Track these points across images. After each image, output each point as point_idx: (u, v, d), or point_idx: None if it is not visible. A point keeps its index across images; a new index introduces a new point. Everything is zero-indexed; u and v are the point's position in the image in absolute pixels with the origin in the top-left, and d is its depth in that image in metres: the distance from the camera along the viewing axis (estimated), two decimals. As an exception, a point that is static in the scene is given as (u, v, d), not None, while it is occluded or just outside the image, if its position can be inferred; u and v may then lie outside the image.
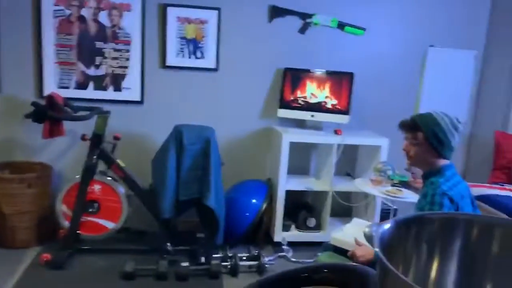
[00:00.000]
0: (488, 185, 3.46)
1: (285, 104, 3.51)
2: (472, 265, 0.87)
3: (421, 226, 0.79)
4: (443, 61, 3.77)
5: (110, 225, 3.08)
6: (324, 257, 2.23)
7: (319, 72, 3.48)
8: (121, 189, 3.10)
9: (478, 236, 0.86)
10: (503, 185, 3.45)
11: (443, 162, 1.96)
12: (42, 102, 2.98)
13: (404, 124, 2.02)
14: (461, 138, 2.03)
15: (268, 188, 3.42)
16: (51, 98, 2.91)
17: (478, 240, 0.86)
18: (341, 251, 2.22)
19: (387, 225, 0.72)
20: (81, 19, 3.29)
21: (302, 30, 3.54)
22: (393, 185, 2.91)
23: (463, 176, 4.02)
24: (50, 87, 3.30)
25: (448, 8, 3.71)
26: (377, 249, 0.65)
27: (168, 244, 3.02)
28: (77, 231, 3.02)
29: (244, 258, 3.09)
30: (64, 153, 3.45)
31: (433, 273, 0.85)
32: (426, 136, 1.93)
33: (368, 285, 0.93)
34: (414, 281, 0.82)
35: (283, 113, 3.53)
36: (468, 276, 0.86)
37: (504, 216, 2.74)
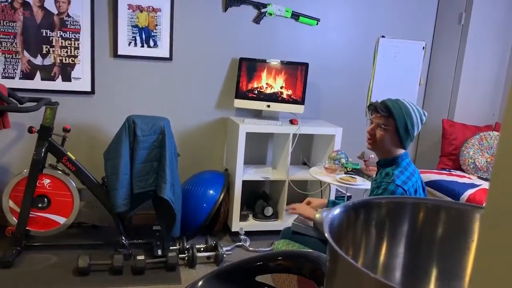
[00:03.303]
0: (436, 171, 3.61)
1: (241, 94, 3.50)
2: (419, 247, 0.90)
3: (369, 210, 0.81)
4: (394, 51, 3.88)
5: (61, 220, 2.98)
6: (281, 245, 2.25)
7: (274, 62, 3.48)
8: (72, 182, 3.00)
9: (424, 218, 0.90)
10: (449, 171, 3.61)
11: (400, 151, 1.99)
12: (-16, 93, 2.82)
13: (377, 107, 1.98)
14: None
15: (225, 179, 3.41)
16: (-6, 89, 2.76)
17: (424, 222, 0.90)
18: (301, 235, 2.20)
19: (336, 211, 0.73)
20: (25, 5, 3.13)
21: (257, 20, 3.53)
22: (346, 173, 2.97)
23: (414, 163, 4.17)
24: (-7, 77, 3.14)
25: (399, 0, 3.81)
26: (318, 215, 0.66)
27: (123, 237, 2.96)
28: (26, 228, 2.91)
29: (202, 249, 3.08)
30: (10, 147, 3.29)
31: (382, 256, 0.87)
32: (396, 125, 1.93)
33: (321, 270, 0.95)
34: (364, 265, 0.84)
35: (239, 103, 3.52)
36: (415, 257, 0.89)
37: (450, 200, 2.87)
